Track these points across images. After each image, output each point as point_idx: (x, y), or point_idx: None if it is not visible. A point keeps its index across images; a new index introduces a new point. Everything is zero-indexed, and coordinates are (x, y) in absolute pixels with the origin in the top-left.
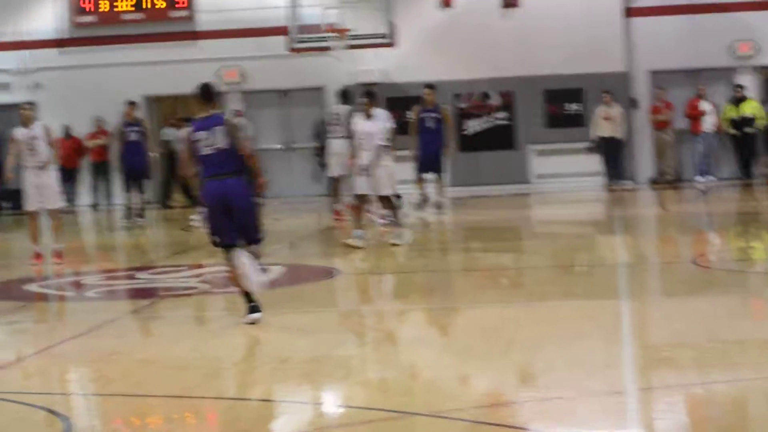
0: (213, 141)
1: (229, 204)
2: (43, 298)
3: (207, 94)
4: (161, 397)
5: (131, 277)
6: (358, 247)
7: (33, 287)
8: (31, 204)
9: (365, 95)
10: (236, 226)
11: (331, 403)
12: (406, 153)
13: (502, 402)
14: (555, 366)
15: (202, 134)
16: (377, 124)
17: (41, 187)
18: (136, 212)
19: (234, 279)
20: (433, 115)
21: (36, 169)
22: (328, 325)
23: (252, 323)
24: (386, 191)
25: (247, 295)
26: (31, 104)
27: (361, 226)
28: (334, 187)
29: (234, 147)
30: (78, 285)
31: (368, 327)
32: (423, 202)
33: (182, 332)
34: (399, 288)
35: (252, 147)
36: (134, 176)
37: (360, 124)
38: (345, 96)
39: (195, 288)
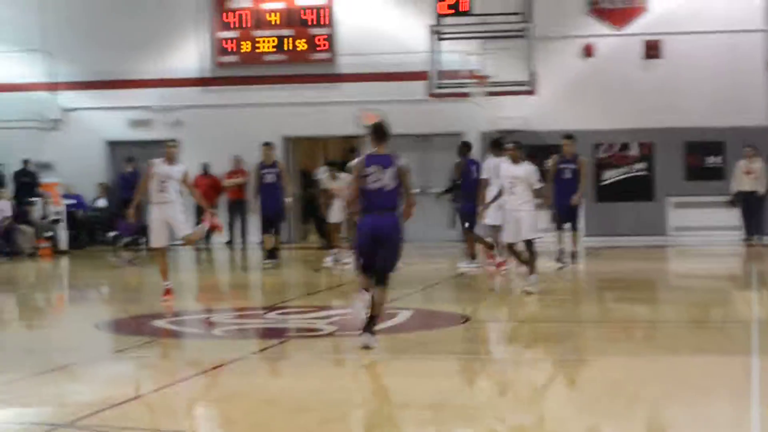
0: (381, 178)
1: (381, 237)
2: (170, 334)
3: (380, 133)
4: None
5: (260, 317)
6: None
7: (161, 323)
8: (158, 240)
9: (514, 143)
10: (381, 256)
11: None
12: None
13: None
14: (679, 424)
15: (372, 170)
16: (527, 169)
17: (170, 222)
18: (270, 253)
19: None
20: (572, 166)
21: (161, 205)
22: (452, 372)
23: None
24: (531, 236)
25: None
26: (176, 142)
27: (533, 270)
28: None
29: (399, 188)
30: (207, 323)
31: (492, 376)
32: (560, 253)
33: (306, 374)
34: (527, 337)
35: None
36: (270, 218)
37: (509, 169)
38: (498, 146)
39: (322, 330)
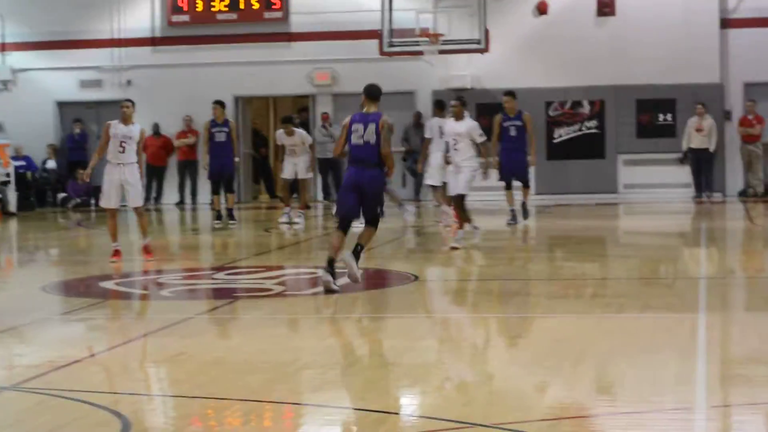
0: (363, 134)
1: (363, 189)
2: (118, 295)
3: (373, 93)
4: (223, 399)
5: (209, 277)
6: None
7: (110, 285)
8: (109, 201)
9: (457, 99)
10: (363, 207)
11: (392, 412)
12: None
13: (568, 416)
14: (625, 380)
15: (358, 126)
16: (469, 125)
17: (124, 185)
18: (226, 213)
19: (334, 249)
20: (516, 122)
21: (120, 166)
22: (400, 331)
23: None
24: (463, 191)
25: (331, 264)
26: (131, 102)
27: (462, 227)
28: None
29: (378, 143)
30: (155, 284)
31: (438, 335)
32: (511, 212)
33: (254, 334)
34: (475, 296)
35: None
36: (221, 177)
37: (452, 125)
38: (441, 106)
39: (271, 290)
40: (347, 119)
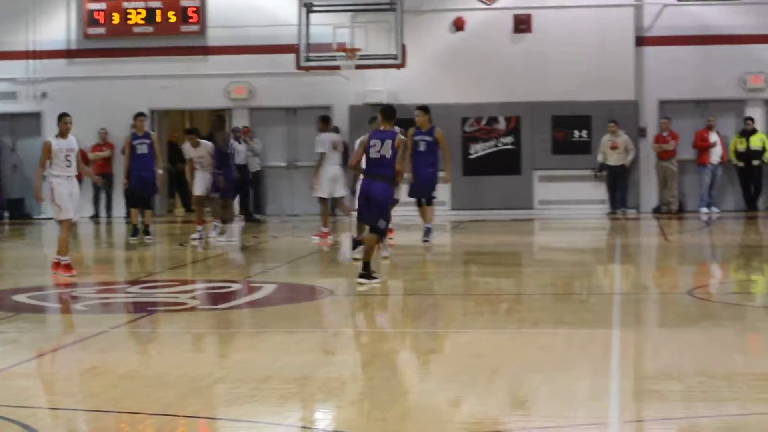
0: (381, 150)
1: (371, 198)
2: (31, 309)
3: (390, 113)
4: (136, 414)
5: (123, 291)
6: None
7: (22, 298)
8: (68, 212)
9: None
10: (369, 213)
11: (308, 426)
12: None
13: (482, 430)
14: (539, 395)
15: (376, 142)
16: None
17: (74, 197)
18: (142, 228)
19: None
20: (427, 138)
21: (70, 178)
22: (314, 345)
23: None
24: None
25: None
26: (70, 116)
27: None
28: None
29: (394, 159)
30: (69, 297)
31: (353, 349)
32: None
33: (167, 348)
34: (390, 310)
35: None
36: (143, 190)
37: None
38: (327, 121)
39: (185, 304)
40: (365, 136)
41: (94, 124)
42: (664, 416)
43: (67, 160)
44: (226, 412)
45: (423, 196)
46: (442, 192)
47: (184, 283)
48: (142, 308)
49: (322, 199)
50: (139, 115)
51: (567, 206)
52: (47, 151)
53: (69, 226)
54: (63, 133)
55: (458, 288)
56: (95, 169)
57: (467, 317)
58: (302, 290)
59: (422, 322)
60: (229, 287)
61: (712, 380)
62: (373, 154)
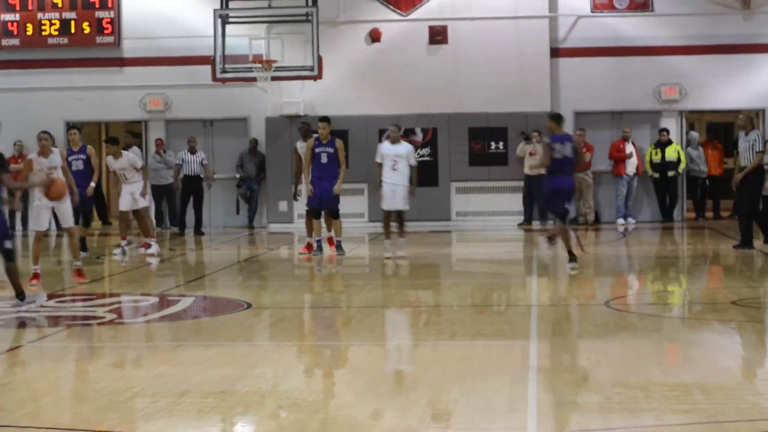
0: (563, 151)
1: (560, 190)
2: None
3: (559, 118)
4: (53, 428)
5: (40, 305)
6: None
7: None
8: (42, 224)
9: (394, 124)
10: (558, 203)
11: None
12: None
13: None
14: (457, 407)
15: (557, 146)
16: (407, 149)
17: (55, 208)
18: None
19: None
20: (328, 149)
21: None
22: (232, 359)
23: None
24: (402, 207)
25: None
26: (49, 133)
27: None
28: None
29: (576, 158)
30: None
31: (271, 362)
32: (317, 241)
33: (85, 363)
34: (309, 323)
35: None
36: (80, 207)
37: (389, 147)
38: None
39: (103, 318)
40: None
41: (9, 137)
42: (582, 427)
43: (50, 176)
44: (145, 427)
45: (328, 208)
46: (360, 204)
47: (102, 296)
48: (59, 322)
49: (387, 212)
50: (73, 128)
51: (484, 218)
52: (28, 167)
53: (40, 238)
54: (43, 152)
55: (376, 300)
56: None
57: (386, 330)
58: (220, 303)
59: (340, 335)
60: (146, 301)
61: (629, 391)
62: (557, 155)
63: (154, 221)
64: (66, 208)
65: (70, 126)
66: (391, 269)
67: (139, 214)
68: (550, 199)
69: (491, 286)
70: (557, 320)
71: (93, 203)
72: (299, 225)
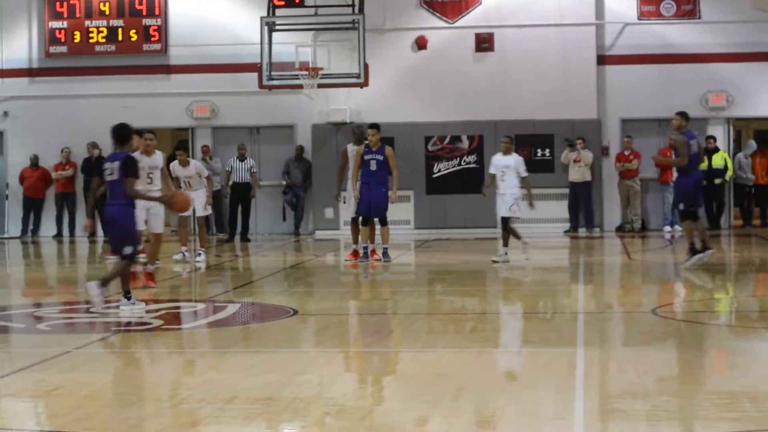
0: (695, 147)
1: (702, 185)
2: None
3: (687, 116)
4: None
5: (87, 311)
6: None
7: None
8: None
9: (506, 136)
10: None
11: None
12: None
13: None
14: (504, 415)
15: (692, 142)
16: (516, 159)
17: (148, 212)
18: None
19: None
20: (378, 157)
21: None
22: (278, 365)
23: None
24: (505, 214)
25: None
26: (154, 133)
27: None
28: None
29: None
30: (32, 317)
31: (319, 369)
32: (364, 248)
33: (131, 368)
34: (354, 330)
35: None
36: None
37: (500, 158)
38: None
39: (150, 324)
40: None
41: (56, 144)
42: None
43: (149, 178)
44: None
45: (377, 215)
46: (406, 211)
47: (149, 302)
48: (107, 328)
49: (503, 219)
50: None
51: (530, 225)
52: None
53: (156, 238)
54: (146, 151)
55: (423, 307)
56: (58, 187)
57: (432, 336)
58: (266, 309)
59: (387, 342)
60: (193, 307)
61: (676, 399)
62: (693, 150)
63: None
64: (159, 212)
65: (145, 131)
66: (434, 276)
67: (199, 222)
68: (694, 194)
69: (538, 294)
70: (604, 328)
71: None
72: (345, 232)
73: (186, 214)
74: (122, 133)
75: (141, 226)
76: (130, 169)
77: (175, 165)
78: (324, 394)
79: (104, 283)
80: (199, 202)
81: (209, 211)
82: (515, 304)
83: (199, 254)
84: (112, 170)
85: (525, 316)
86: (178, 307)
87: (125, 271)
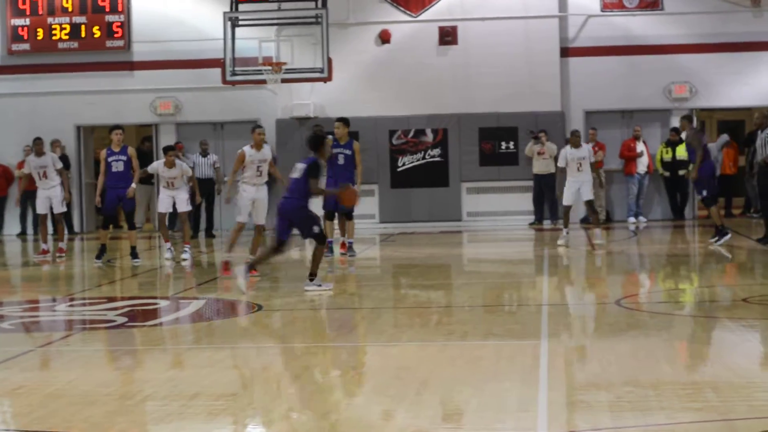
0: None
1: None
2: None
3: (312, 143)
4: None
5: (51, 309)
6: None
7: None
8: (242, 216)
9: (575, 130)
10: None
11: None
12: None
13: None
14: (468, 407)
15: (704, 136)
16: (588, 150)
17: (256, 203)
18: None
19: None
20: (346, 151)
21: (256, 186)
22: (243, 361)
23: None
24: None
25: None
26: (261, 127)
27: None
28: None
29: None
30: None
31: (283, 364)
32: (329, 245)
33: (95, 366)
34: (319, 325)
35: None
36: (122, 208)
37: (573, 151)
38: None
39: (113, 321)
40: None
41: (19, 141)
42: (593, 426)
43: (258, 171)
44: (155, 430)
45: (343, 210)
46: (371, 205)
47: (112, 300)
48: (70, 326)
49: (566, 207)
50: (115, 128)
51: (495, 217)
52: (240, 159)
53: (259, 230)
54: (256, 144)
55: (388, 301)
56: (23, 185)
57: (397, 330)
58: (231, 306)
59: (351, 336)
60: (157, 304)
61: (640, 389)
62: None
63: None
64: (263, 205)
65: (113, 126)
66: (399, 270)
67: (181, 218)
68: (712, 181)
69: (502, 286)
70: (568, 319)
71: (134, 204)
72: None
73: (164, 211)
74: (315, 142)
75: (167, 208)
76: (313, 171)
77: (160, 165)
78: (288, 390)
79: (253, 265)
80: (181, 199)
81: (190, 207)
82: (480, 296)
83: (185, 251)
84: (296, 170)
85: (489, 308)
86: (142, 304)
87: (318, 253)
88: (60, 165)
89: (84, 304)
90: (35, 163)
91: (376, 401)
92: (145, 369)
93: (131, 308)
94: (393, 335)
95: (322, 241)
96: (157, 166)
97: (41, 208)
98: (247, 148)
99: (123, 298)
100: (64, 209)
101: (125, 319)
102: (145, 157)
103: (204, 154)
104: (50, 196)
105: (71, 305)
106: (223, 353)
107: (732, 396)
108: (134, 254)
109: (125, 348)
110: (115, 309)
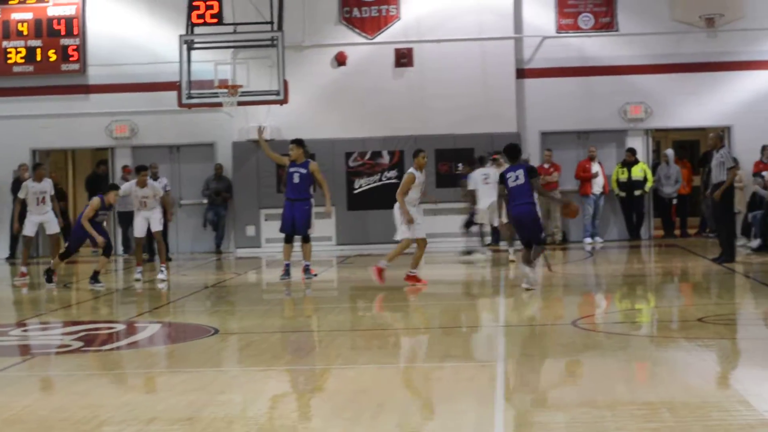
0: (517, 180)
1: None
2: None
3: (514, 152)
4: None
5: (4, 334)
6: None
7: None
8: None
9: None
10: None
11: None
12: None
13: None
14: (424, 429)
15: (512, 175)
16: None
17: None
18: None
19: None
20: (301, 170)
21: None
22: (198, 385)
23: None
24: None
25: None
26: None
27: None
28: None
29: (529, 185)
30: None
31: (239, 387)
32: (286, 266)
33: (51, 391)
34: (275, 348)
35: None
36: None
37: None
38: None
39: (69, 346)
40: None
41: None
42: None
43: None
44: None
45: (300, 232)
46: (328, 227)
47: (67, 324)
48: (25, 351)
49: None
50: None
51: (453, 239)
52: (409, 182)
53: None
54: (37, 178)
55: (345, 324)
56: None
57: (353, 353)
58: (187, 329)
59: (308, 359)
60: (113, 328)
61: (596, 410)
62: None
63: (122, 248)
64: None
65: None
66: (356, 292)
67: (156, 237)
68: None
69: (459, 308)
70: (524, 341)
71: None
72: (267, 250)
73: (140, 236)
74: (515, 152)
75: (142, 233)
76: (533, 173)
77: (132, 185)
78: (245, 413)
79: (531, 263)
80: (155, 218)
81: (161, 226)
82: (437, 318)
83: (161, 271)
84: (516, 177)
85: (447, 330)
86: (97, 329)
87: (536, 253)
88: (52, 192)
89: (39, 329)
90: (35, 188)
91: (332, 424)
92: (101, 394)
93: (87, 332)
94: (349, 358)
95: (543, 243)
96: (129, 186)
97: (30, 231)
98: (28, 182)
99: (78, 323)
100: (58, 230)
101: (81, 344)
102: (100, 181)
103: (154, 177)
104: (44, 221)
105: (27, 330)
106: (179, 377)
107: (687, 416)
108: (95, 279)
109: (81, 373)
110: (71, 333)
